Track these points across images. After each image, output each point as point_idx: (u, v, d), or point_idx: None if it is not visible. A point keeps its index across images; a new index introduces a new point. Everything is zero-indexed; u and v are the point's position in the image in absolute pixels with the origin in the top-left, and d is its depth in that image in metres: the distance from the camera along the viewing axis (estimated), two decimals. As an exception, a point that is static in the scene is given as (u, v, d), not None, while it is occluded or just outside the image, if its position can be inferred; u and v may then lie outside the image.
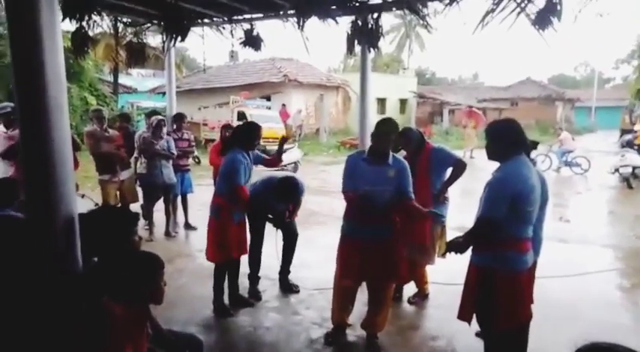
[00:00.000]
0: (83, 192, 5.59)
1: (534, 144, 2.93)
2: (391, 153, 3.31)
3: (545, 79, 45.09)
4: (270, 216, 4.27)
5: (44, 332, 1.97)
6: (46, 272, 1.97)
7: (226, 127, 6.09)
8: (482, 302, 2.62)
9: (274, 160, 4.24)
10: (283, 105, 20.01)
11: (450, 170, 4.04)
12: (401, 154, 4.09)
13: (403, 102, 28.73)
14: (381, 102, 26.55)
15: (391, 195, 3.24)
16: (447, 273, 4.17)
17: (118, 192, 5.90)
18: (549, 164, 13.08)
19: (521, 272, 2.61)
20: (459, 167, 3.96)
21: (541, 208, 2.80)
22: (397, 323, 3.86)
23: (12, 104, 5.08)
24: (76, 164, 4.83)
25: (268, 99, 21.41)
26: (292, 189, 3.98)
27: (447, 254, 2.81)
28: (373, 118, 5.39)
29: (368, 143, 5.32)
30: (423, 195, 3.79)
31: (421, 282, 4.26)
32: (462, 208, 4.79)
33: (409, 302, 4.23)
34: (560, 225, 6.62)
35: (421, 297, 4.27)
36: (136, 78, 29.54)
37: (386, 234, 3.28)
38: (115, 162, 5.74)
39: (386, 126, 3.26)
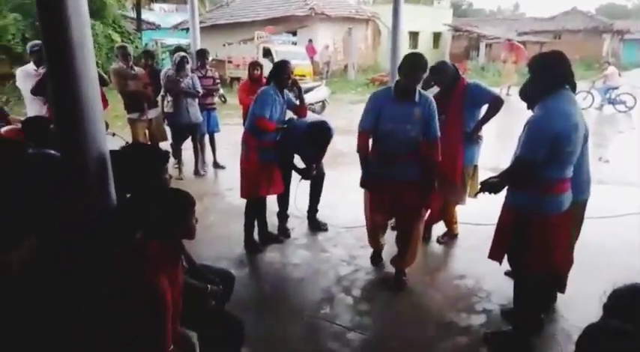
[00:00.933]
0: (114, 131, 5.65)
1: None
2: (418, 90, 3.19)
3: (592, 8, 41.96)
4: (296, 166, 4.22)
5: (81, 265, 2.05)
6: (80, 209, 2.00)
7: (254, 65, 5.92)
8: (514, 244, 2.57)
9: (302, 110, 4.13)
10: (310, 40, 19.36)
11: (484, 108, 3.84)
12: (433, 90, 3.93)
13: (437, 36, 27.35)
14: (413, 36, 25.34)
15: (416, 135, 3.18)
16: (478, 214, 4.11)
17: (147, 131, 5.94)
18: (591, 101, 12.44)
19: (556, 214, 2.52)
20: (496, 104, 3.74)
21: (582, 146, 2.65)
22: (424, 262, 3.88)
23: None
24: (105, 103, 4.85)
25: (294, 34, 20.75)
26: (321, 136, 3.88)
27: (480, 194, 2.73)
28: (405, 53, 5.14)
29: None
30: (454, 133, 3.68)
31: (450, 222, 4.23)
32: (496, 148, 4.61)
33: (438, 241, 4.22)
34: (599, 166, 6.43)
35: (450, 237, 4.25)
36: (159, 13, 29.00)
37: (411, 174, 3.24)
38: (142, 100, 5.73)
39: (415, 60, 3.11)
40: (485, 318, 3.06)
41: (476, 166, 3.98)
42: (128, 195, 2.29)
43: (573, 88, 2.51)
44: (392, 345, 2.78)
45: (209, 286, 2.32)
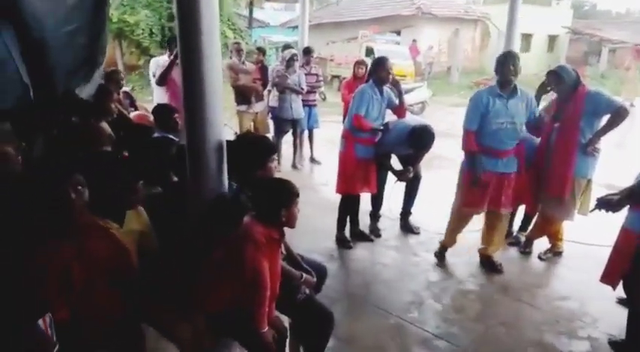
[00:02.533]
0: (225, 122, 6.04)
1: None
2: (518, 86, 3.43)
3: None
4: (393, 167, 4.19)
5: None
6: (199, 193, 2.19)
7: (359, 63, 6.01)
8: (634, 273, 2.32)
9: (401, 110, 4.11)
10: (414, 40, 19.01)
11: (605, 120, 3.49)
12: (550, 96, 3.70)
13: (552, 39, 25.31)
14: (526, 38, 23.73)
15: (522, 126, 3.47)
16: (586, 232, 3.82)
17: (252, 123, 6.28)
18: None
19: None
20: (620, 115, 3.38)
21: None
22: (523, 277, 3.66)
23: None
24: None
25: (399, 33, 20.49)
26: (423, 139, 3.81)
27: (594, 211, 2.52)
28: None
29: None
30: (567, 143, 3.46)
31: (555, 238, 3.93)
32: (613, 163, 4.18)
33: (539, 258, 3.95)
34: None
35: (554, 254, 3.96)
36: (269, 12, 30.27)
37: (513, 166, 3.53)
38: (251, 94, 6.06)
39: (507, 58, 3.40)
40: (589, 346, 2.81)
41: (589, 180, 3.64)
42: (234, 181, 2.45)
43: None
44: (481, 359, 2.68)
45: (303, 275, 2.41)
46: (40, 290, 1.57)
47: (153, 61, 5.57)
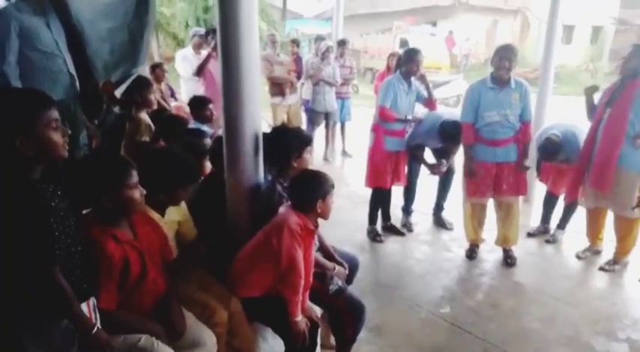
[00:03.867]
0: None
1: None
2: (512, 77, 3.45)
3: None
4: (426, 160, 4.16)
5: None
6: (236, 183, 2.25)
7: (393, 55, 5.94)
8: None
9: (431, 103, 4.07)
10: (450, 31, 18.62)
11: None
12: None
13: (596, 31, 24.25)
14: (568, 29, 22.84)
15: (515, 118, 3.47)
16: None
17: (285, 115, 6.33)
18: None
19: None
20: None
21: None
22: (561, 277, 3.57)
23: (202, 29, 5.66)
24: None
25: (434, 24, 20.12)
26: (456, 132, 3.77)
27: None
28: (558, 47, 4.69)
29: (551, 75, 4.75)
30: (614, 130, 3.30)
31: (594, 236, 3.81)
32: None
33: (577, 257, 3.83)
34: None
35: (592, 253, 3.84)
36: (302, 3, 30.19)
37: (512, 155, 3.54)
38: (285, 86, 6.10)
39: (504, 50, 3.44)
40: (628, 348, 2.73)
41: None
42: (271, 172, 2.50)
43: None
44: (514, 357, 2.64)
45: (336, 266, 2.43)
46: (97, 275, 1.64)
47: (178, 54, 5.69)
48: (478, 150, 3.57)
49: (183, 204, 2.26)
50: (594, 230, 3.79)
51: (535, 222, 4.35)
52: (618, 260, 3.62)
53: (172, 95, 5.03)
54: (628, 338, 2.81)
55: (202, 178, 2.57)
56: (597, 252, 3.85)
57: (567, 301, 3.23)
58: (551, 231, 4.21)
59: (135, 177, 1.72)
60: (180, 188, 2.10)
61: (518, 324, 2.96)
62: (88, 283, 1.54)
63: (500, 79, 3.44)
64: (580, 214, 3.95)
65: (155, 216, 2.06)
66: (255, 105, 2.19)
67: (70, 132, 1.49)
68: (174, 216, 2.21)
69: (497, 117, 3.45)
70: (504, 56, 3.40)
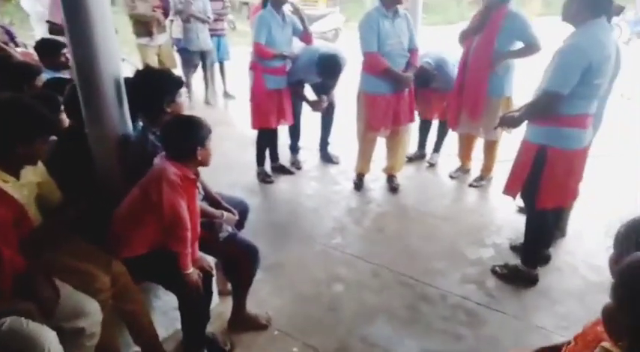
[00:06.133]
0: (123, 57, 5.50)
1: (619, 9, 2.56)
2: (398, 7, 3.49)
3: None
4: (306, 97, 4.12)
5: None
6: (99, 136, 2.00)
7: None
8: (531, 179, 2.54)
9: (307, 36, 3.94)
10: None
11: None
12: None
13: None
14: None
15: (406, 46, 3.55)
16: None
17: (156, 57, 5.79)
18: (619, 34, 11.82)
19: (577, 151, 2.48)
20: (530, 50, 3.41)
21: (610, 81, 2.55)
22: (437, 196, 3.90)
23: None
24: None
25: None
26: (330, 67, 3.74)
27: (497, 128, 2.67)
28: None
29: (420, 6, 4.83)
30: (481, 59, 3.52)
31: (465, 157, 4.19)
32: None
33: (450, 176, 4.21)
34: (619, 102, 6.23)
35: (462, 172, 4.24)
36: None
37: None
38: (152, 24, 5.51)
39: None
40: (493, 252, 3.12)
41: (509, 98, 3.63)
42: (140, 121, 2.27)
43: (610, 16, 2.36)
44: (401, 274, 2.87)
45: (224, 213, 2.35)
46: None
47: None
48: (375, 83, 3.56)
49: (40, 163, 1.97)
50: (466, 151, 4.15)
51: (412, 147, 4.64)
52: (484, 176, 4.04)
53: (12, 40, 4.26)
54: (493, 243, 3.21)
55: (59, 134, 2.24)
56: (467, 171, 4.25)
57: (444, 217, 3.56)
58: (427, 155, 4.54)
59: None
60: (36, 142, 1.79)
61: (402, 244, 3.21)
62: None
63: (392, 6, 3.43)
64: (450, 137, 4.30)
65: (8, 178, 1.76)
66: (112, 46, 1.91)
67: None
68: (32, 178, 1.92)
69: (396, 46, 3.47)
70: None
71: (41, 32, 4.63)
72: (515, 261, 2.89)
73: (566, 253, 3.07)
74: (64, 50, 3.23)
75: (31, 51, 3.83)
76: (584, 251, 3.09)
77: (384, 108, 3.63)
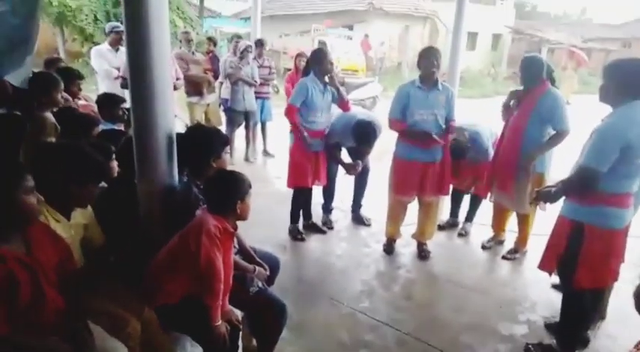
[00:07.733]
0: (175, 114, 5.87)
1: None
2: (440, 80, 3.62)
3: (669, 16, 38.97)
4: (342, 160, 4.22)
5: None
6: (148, 186, 2.13)
7: (300, 56, 6.02)
8: (568, 256, 2.49)
9: (344, 103, 4.09)
10: (366, 35, 19.21)
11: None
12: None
13: (496, 38, 26.41)
14: (472, 36, 24.60)
15: (442, 119, 3.63)
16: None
17: (203, 115, 6.14)
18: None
19: (617, 230, 2.43)
20: (558, 138, 3.43)
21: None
22: (469, 267, 3.82)
23: (120, 25, 5.32)
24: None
25: (351, 28, 20.66)
26: (365, 134, 3.87)
27: (536, 203, 2.66)
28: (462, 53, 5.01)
29: (457, 79, 5.04)
30: (514, 134, 3.57)
31: (498, 228, 4.13)
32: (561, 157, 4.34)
33: (483, 247, 4.14)
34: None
35: (496, 242, 4.16)
36: (221, 1, 29.55)
37: (438, 155, 3.70)
38: (202, 85, 5.92)
39: (430, 52, 3.59)
40: (527, 329, 2.99)
41: (542, 174, 3.58)
42: (186, 173, 2.40)
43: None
44: (428, 345, 2.78)
45: (256, 268, 2.40)
46: None
47: (94, 50, 5.35)
48: (406, 149, 3.69)
49: (89, 207, 2.11)
50: (499, 222, 4.11)
51: (444, 215, 4.62)
52: (519, 249, 3.95)
53: (75, 95, 4.65)
54: (527, 320, 3.08)
55: (109, 182, 2.41)
56: (500, 242, 4.18)
57: (475, 289, 3.47)
58: (460, 224, 4.50)
59: (30, 180, 1.57)
60: (89, 185, 1.95)
61: (431, 314, 3.13)
62: None
63: (428, 80, 3.57)
64: (484, 207, 4.27)
65: (60, 218, 1.90)
66: (168, 104, 2.10)
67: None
68: (80, 219, 2.06)
69: (428, 117, 3.57)
70: (431, 57, 3.53)
71: (104, 87, 5.04)
72: (550, 340, 2.75)
73: (606, 337, 2.91)
74: (123, 104, 3.51)
75: (92, 103, 4.18)
76: (627, 336, 2.91)
77: (411, 174, 3.72)
